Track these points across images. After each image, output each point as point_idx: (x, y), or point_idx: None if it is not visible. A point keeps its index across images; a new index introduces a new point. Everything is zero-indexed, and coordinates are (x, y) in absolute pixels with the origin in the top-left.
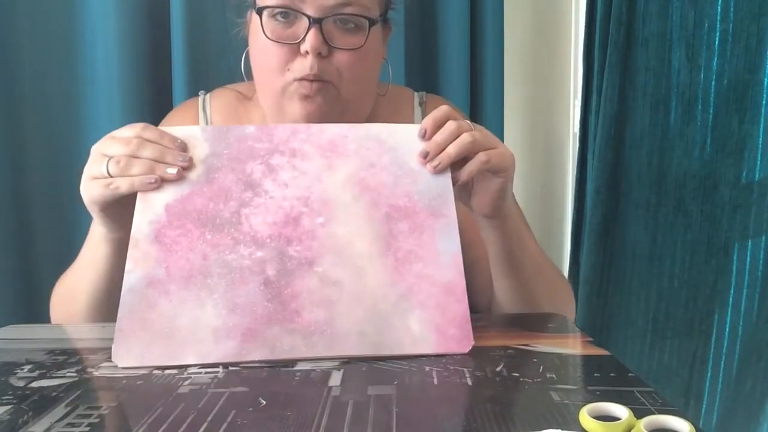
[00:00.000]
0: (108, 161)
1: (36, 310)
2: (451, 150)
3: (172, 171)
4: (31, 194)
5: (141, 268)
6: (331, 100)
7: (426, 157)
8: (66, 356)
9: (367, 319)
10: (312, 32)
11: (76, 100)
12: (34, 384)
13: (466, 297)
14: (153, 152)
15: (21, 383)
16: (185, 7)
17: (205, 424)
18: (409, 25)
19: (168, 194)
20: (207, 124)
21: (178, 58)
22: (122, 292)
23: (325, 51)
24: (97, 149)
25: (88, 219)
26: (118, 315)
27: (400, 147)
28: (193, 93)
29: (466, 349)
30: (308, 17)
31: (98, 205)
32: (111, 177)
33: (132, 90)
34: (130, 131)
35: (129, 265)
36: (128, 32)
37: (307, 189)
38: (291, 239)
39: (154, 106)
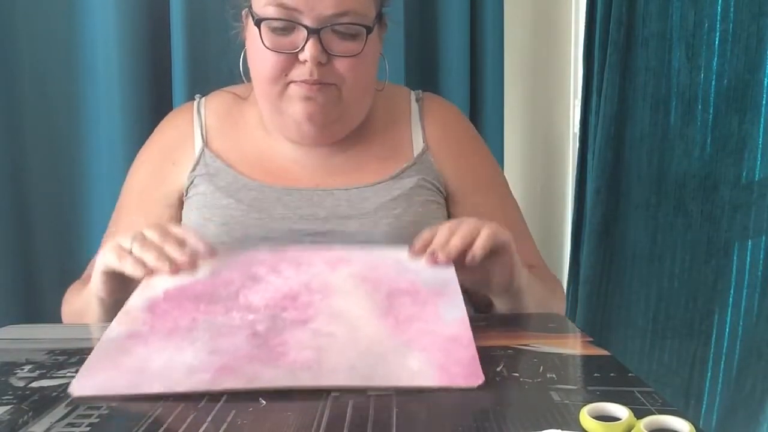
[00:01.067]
0: (133, 240)
1: (36, 310)
2: (456, 240)
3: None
4: (31, 194)
5: (126, 327)
6: (333, 101)
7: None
8: (66, 356)
9: (359, 358)
10: (311, 42)
11: (76, 100)
12: (34, 384)
13: (474, 344)
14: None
15: (21, 383)
16: (185, 7)
17: (205, 424)
18: (409, 24)
19: (169, 282)
20: (202, 124)
21: (178, 58)
22: (101, 339)
23: (324, 59)
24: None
25: (88, 219)
26: (90, 355)
27: (403, 257)
28: (193, 93)
29: (475, 383)
30: (306, 28)
31: (106, 269)
32: (132, 254)
33: (132, 90)
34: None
35: (114, 324)
36: (128, 32)
37: (309, 278)
38: (287, 307)
39: (154, 106)
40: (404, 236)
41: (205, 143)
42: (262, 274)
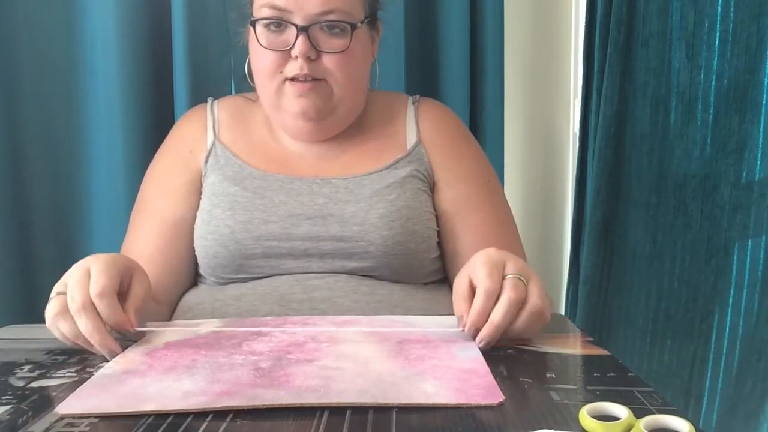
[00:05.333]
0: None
1: (36, 310)
2: (498, 319)
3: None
4: (31, 194)
5: (122, 367)
6: (325, 96)
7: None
8: (66, 356)
9: (369, 383)
10: (300, 39)
11: (76, 100)
12: (34, 384)
13: (491, 375)
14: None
15: (21, 383)
16: (186, 7)
17: (204, 424)
18: (409, 25)
19: (171, 336)
20: (214, 120)
21: (180, 58)
22: (95, 374)
23: (313, 55)
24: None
25: (88, 219)
26: (85, 384)
27: (411, 321)
28: (194, 93)
29: (495, 401)
30: (296, 26)
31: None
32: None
33: (132, 90)
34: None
35: (110, 363)
36: (128, 32)
37: (316, 333)
38: (292, 351)
39: (155, 106)
40: (398, 218)
41: (216, 137)
42: (266, 330)
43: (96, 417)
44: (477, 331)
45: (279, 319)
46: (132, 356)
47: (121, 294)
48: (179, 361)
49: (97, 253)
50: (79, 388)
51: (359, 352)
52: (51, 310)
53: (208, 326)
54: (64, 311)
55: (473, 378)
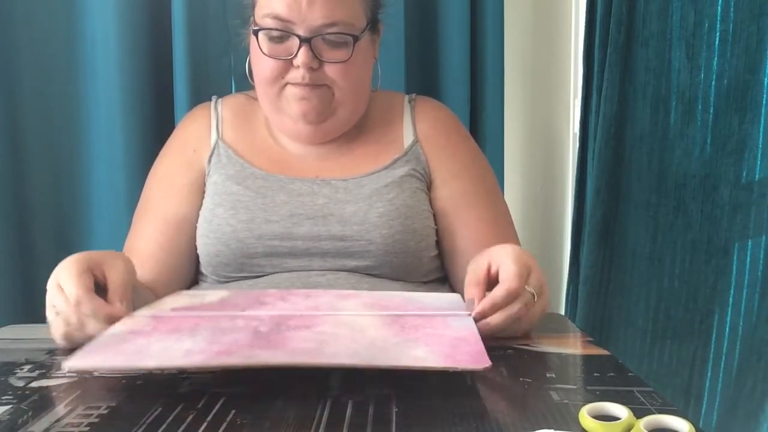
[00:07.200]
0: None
1: (36, 310)
2: (501, 318)
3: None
4: (31, 194)
5: (128, 327)
6: (326, 100)
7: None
8: (66, 356)
9: (362, 347)
10: (303, 50)
11: (76, 100)
12: (34, 384)
13: (482, 343)
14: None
15: (21, 383)
16: (186, 7)
17: (204, 424)
18: (409, 25)
19: (177, 303)
20: (218, 119)
21: (180, 58)
22: (104, 334)
23: (315, 65)
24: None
25: (88, 219)
26: (91, 342)
27: (412, 296)
28: (194, 93)
29: (482, 366)
30: (299, 37)
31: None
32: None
33: (132, 90)
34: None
35: (117, 324)
36: (128, 32)
37: (317, 304)
38: (291, 318)
39: (155, 107)
40: (397, 217)
41: (220, 136)
42: (269, 301)
43: (99, 372)
44: (482, 317)
45: (283, 292)
46: (139, 318)
47: (104, 288)
48: (183, 324)
49: (63, 260)
50: (85, 346)
51: (357, 321)
52: (56, 331)
53: (212, 296)
54: (69, 327)
55: (463, 345)
